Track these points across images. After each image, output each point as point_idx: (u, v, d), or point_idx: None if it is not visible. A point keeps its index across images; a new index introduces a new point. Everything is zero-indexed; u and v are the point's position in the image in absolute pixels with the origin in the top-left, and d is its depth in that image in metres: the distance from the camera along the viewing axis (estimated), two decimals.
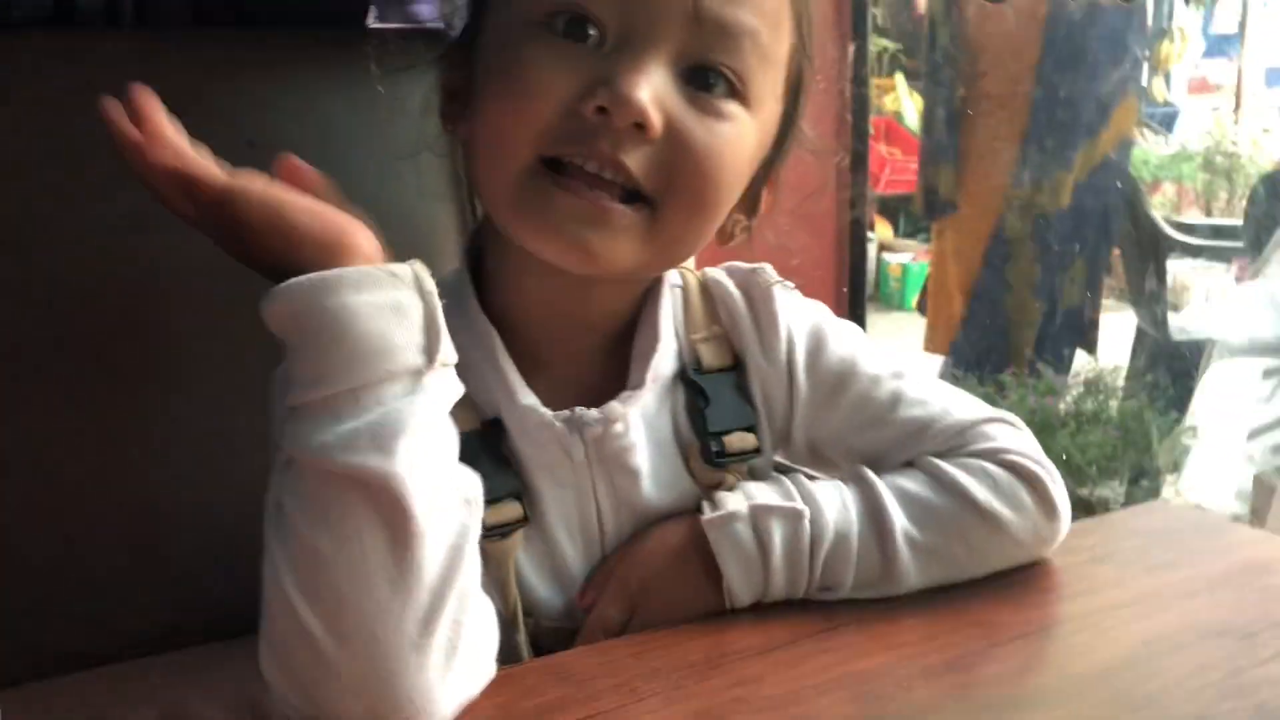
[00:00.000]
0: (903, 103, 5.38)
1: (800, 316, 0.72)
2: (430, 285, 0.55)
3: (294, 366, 0.55)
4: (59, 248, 0.94)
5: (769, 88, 0.65)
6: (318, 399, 0.53)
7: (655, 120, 0.59)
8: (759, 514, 0.65)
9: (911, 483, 0.69)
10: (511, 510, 0.65)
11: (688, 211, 0.63)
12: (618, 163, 0.59)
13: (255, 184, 0.58)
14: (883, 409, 0.71)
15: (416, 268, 0.56)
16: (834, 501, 0.67)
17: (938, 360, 2.85)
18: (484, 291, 0.69)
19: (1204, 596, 0.68)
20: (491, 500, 0.61)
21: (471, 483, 0.56)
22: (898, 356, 0.74)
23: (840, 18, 1.31)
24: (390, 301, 0.54)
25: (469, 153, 0.67)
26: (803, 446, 0.73)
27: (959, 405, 0.72)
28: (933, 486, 0.68)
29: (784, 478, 0.69)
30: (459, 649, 0.54)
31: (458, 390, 0.57)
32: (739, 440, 0.69)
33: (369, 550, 0.51)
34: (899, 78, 5.44)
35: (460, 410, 0.60)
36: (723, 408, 0.69)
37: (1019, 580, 0.71)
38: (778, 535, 0.65)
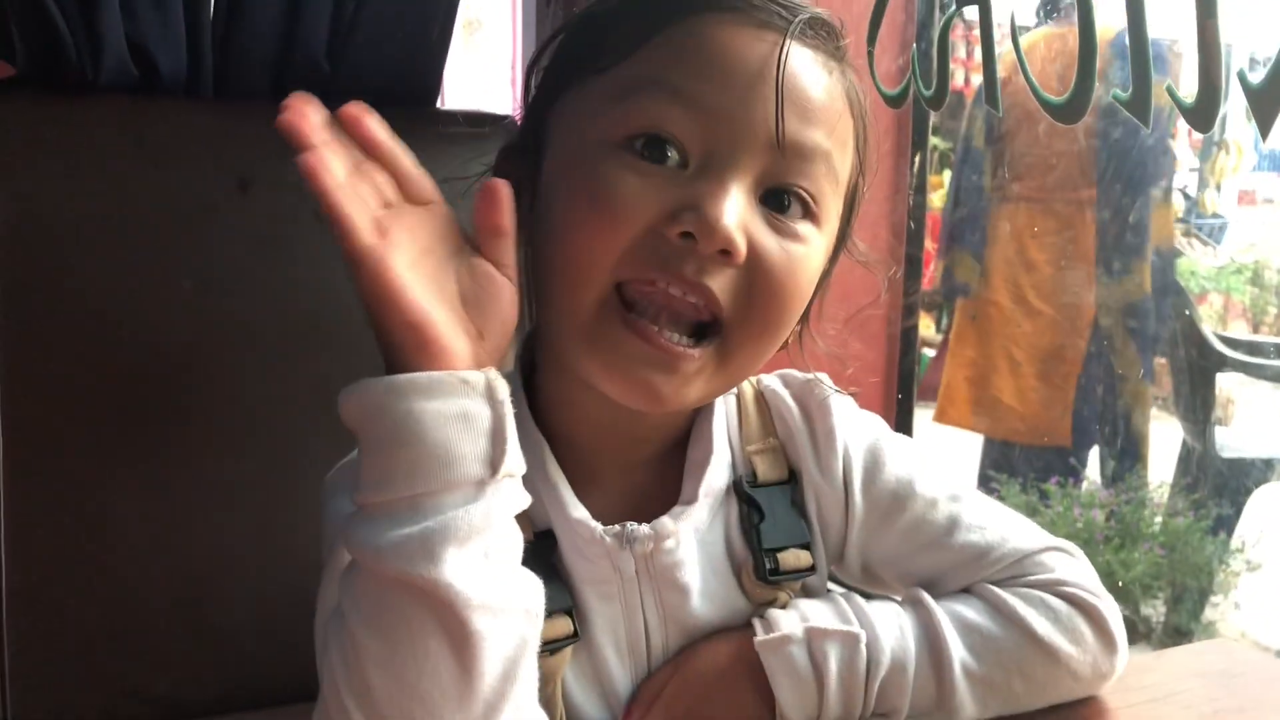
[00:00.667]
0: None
1: (858, 432, 0.71)
2: (502, 394, 0.54)
3: (362, 465, 0.54)
4: (123, 309, 0.95)
5: (835, 205, 0.65)
6: (380, 501, 0.52)
7: (741, 246, 0.58)
8: (815, 637, 0.64)
9: (970, 611, 0.67)
10: (563, 626, 0.63)
11: (759, 337, 0.62)
12: (702, 288, 0.59)
13: (384, 260, 0.53)
14: (940, 533, 0.70)
15: (490, 375, 0.54)
16: (891, 627, 0.65)
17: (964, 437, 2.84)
18: (535, 400, 0.68)
19: None
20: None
21: (534, 593, 0.55)
22: (956, 477, 0.73)
23: (902, 128, 1.32)
24: (458, 410, 0.52)
25: (534, 267, 0.65)
26: (856, 566, 0.72)
27: (1017, 532, 0.71)
28: (992, 616, 0.67)
29: (839, 597, 0.68)
30: None
31: (523, 500, 0.55)
32: (794, 558, 0.68)
33: (422, 656, 0.50)
34: (947, 175, 5.47)
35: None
36: (777, 523, 0.68)
37: (1077, 717, 0.68)
38: (833, 660, 0.63)
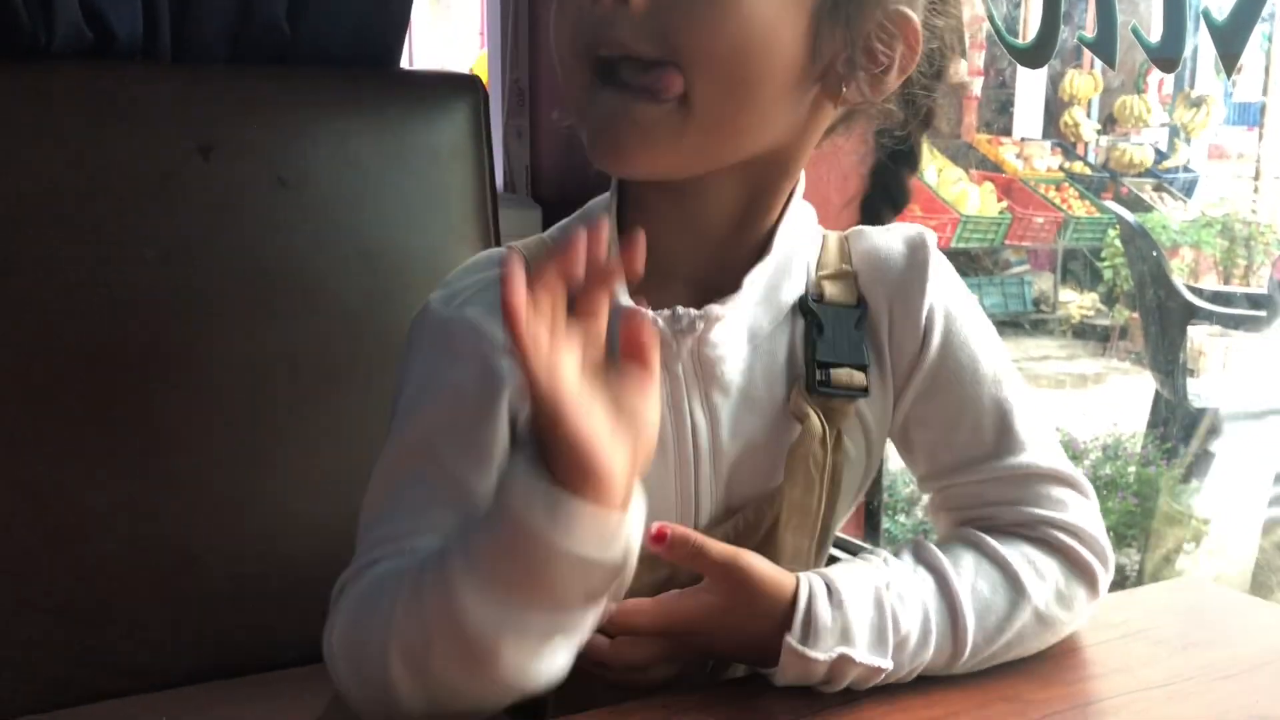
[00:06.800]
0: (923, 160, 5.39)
1: (953, 291, 0.71)
2: (631, 548, 0.53)
3: (483, 539, 0.53)
4: (90, 280, 0.94)
5: None
6: (483, 577, 0.53)
7: None
8: (840, 665, 0.62)
9: (987, 587, 0.67)
10: None
11: (716, 84, 0.60)
12: (619, 42, 0.60)
13: (558, 383, 0.50)
14: (986, 418, 0.69)
15: (628, 537, 0.53)
16: (917, 627, 0.64)
17: None
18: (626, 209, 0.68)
19: (1240, 680, 0.66)
20: None
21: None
22: (1015, 371, 0.72)
23: None
24: (594, 559, 0.51)
25: None
26: (900, 422, 0.71)
27: (1046, 449, 0.70)
28: (1006, 593, 0.67)
29: (883, 589, 0.64)
30: None
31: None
32: (846, 376, 0.67)
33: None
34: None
35: None
36: (838, 340, 0.67)
37: (1050, 654, 0.69)
38: (848, 680, 0.63)
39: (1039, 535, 0.69)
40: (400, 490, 0.63)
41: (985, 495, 0.70)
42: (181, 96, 1.01)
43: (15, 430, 0.91)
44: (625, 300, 0.63)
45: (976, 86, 5.91)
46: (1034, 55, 0.84)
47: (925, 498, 0.76)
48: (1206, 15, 0.73)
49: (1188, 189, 5.60)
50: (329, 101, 1.08)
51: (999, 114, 6.16)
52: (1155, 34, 0.80)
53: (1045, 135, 5.96)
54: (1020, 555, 0.68)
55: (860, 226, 0.73)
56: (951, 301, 0.70)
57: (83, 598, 0.93)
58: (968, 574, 0.67)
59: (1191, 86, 5.15)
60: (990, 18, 0.87)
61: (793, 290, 0.68)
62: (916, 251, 0.70)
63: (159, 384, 0.95)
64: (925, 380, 0.70)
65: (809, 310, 0.68)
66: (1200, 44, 0.81)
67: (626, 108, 0.61)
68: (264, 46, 1.08)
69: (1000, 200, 5.47)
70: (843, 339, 0.67)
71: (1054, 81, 5.63)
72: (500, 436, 0.63)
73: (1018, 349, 5.36)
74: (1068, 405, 4.03)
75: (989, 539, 0.69)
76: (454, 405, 0.64)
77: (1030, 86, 5.92)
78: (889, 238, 0.71)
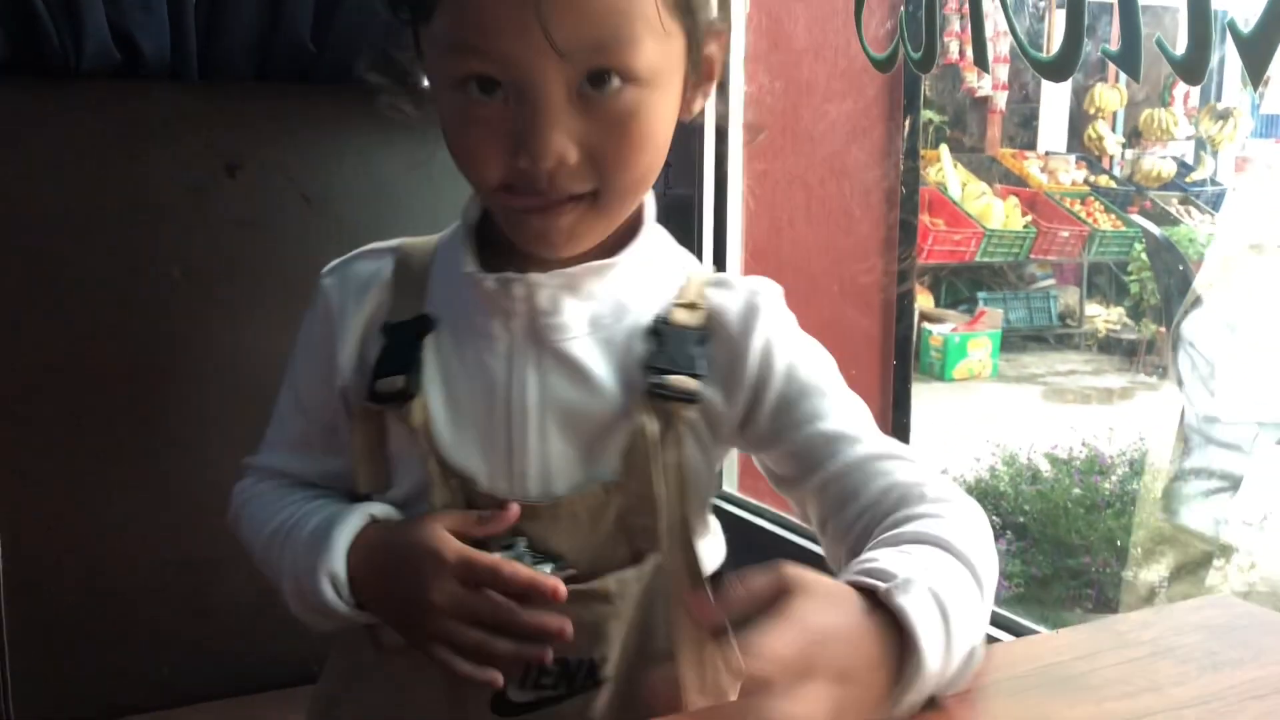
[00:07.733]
0: (946, 174, 5.38)
1: (784, 337, 0.76)
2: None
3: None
4: (117, 296, 0.95)
5: (662, 56, 0.68)
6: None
7: (569, 155, 0.66)
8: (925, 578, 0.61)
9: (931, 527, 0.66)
10: (393, 384, 0.73)
11: (622, 185, 0.70)
12: (558, 189, 0.68)
13: None
14: (816, 420, 0.74)
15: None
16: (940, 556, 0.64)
17: None
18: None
19: (1273, 700, 0.65)
20: (388, 374, 0.73)
21: None
22: (842, 383, 0.77)
23: (894, 92, 1.32)
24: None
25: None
26: (758, 440, 0.76)
27: (873, 436, 0.74)
28: (941, 526, 0.66)
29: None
30: None
31: None
32: (681, 381, 0.73)
33: None
34: (943, 149, 5.45)
35: (411, 303, 0.74)
36: (676, 353, 0.74)
37: (1077, 673, 0.68)
38: (948, 585, 0.61)
39: (916, 502, 0.70)
40: (280, 408, 0.82)
41: (846, 489, 0.72)
42: (208, 115, 1.02)
43: (39, 445, 0.92)
44: (467, 269, 0.73)
45: (1000, 101, 5.90)
46: (1057, 68, 0.84)
47: None
48: (1232, 26, 0.73)
49: (1214, 202, 5.55)
50: (354, 119, 1.08)
51: (1023, 128, 6.14)
52: (1180, 46, 0.80)
53: (1070, 149, 5.93)
54: (901, 526, 0.68)
55: (722, 274, 0.79)
56: (786, 345, 0.76)
57: (106, 614, 0.93)
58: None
59: (1218, 99, 5.11)
60: (1013, 31, 0.87)
61: (641, 308, 0.75)
62: (751, 308, 0.76)
63: (183, 399, 0.96)
64: (771, 407, 0.75)
65: (656, 330, 0.74)
66: (1227, 56, 0.80)
67: (555, 214, 0.69)
68: (289, 64, 1.09)
69: (1025, 214, 5.45)
70: (681, 352, 0.74)
71: (1078, 95, 5.61)
72: (335, 370, 0.77)
73: (1043, 363, 5.33)
74: (1094, 420, 3.99)
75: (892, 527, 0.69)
76: (305, 350, 0.80)
77: (1054, 101, 5.90)
78: (736, 292, 0.77)
